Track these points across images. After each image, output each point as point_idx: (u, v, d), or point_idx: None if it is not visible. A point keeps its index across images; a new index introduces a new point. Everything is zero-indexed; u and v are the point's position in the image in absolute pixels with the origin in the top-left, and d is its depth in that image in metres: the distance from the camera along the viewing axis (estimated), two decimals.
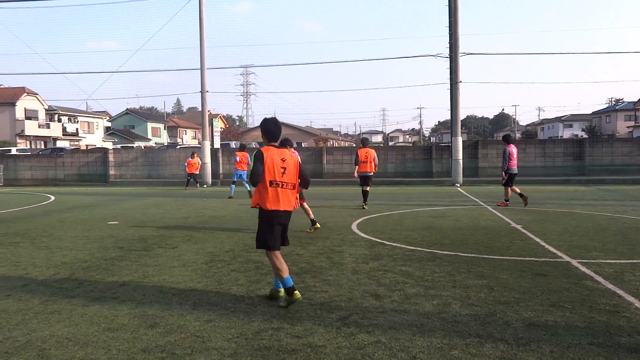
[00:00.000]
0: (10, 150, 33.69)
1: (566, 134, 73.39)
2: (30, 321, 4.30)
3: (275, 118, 5.00)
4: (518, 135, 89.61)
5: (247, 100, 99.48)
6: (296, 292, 4.61)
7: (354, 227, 9.42)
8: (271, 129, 4.82)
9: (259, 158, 4.63)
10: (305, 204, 9.06)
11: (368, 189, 12.63)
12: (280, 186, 4.67)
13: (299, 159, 5.04)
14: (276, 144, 4.86)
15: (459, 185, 21.01)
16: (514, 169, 12.67)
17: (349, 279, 5.56)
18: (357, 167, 12.62)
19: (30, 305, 4.76)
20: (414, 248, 7.28)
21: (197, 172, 21.36)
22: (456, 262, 6.35)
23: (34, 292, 5.19)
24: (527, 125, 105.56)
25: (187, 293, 5.09)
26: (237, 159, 17.31)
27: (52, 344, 3.77)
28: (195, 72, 24.01)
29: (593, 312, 4.35)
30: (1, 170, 26.03)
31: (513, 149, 12.78)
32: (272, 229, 4.72)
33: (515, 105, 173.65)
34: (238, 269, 6.09)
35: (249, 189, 17.80)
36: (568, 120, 79.08)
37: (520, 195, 12.43)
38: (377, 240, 7.99)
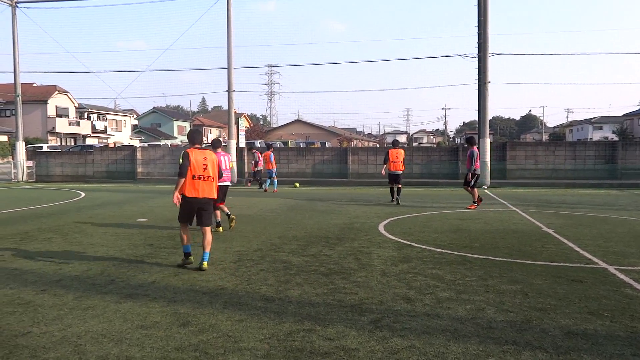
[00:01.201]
0: (42, 147, 34.59)
1: (596, 136, 71.56)
2: (65, 316, 4.37)
3: (197, 128, 6.70)
4: (545, 137, 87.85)
5: (271, 99, 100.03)
6: (190, 257, 6.24)
7: (380, 228, 9.35)
8: (194, 136, 6.41)
9: (186, 157, 6.08)
10: (222, 206, 9.31)
11: (400, 186, 13.93)
12: (201, 179, 6.13)
13: (215, 157, 6.50)
14: (199, 146, 6.33)
15: (486, 187, 20.67)
16: (479, 170, 12.94)
17: (379, 281, 5.50)
18: (385, 165, 14.03)
19: (65, 300, 4.84)
20: (443, 251, 7.17)
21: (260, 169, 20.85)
22: (487, 266, 6.23)
23: (68, 288, 5.29)
24: (555, 127, 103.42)
25: (217, 292, 5.11)
26: (262, 159, 18.51)
27: (87, 340, 3.82)
28: (220, 71, 24.16)
29: (635, 321, 4.20)
30: (33, 167, 26.71)
31: (477, 151, 13.06)
32: (188, 210, 6.20)
33: (543, 107, 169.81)
34: (267, 269, 6.09)
35: (267, 186, 18.52)
36: (598, 122, 77.09)
37: (476, 197, 12.76)
38: (405, 242, 7.90)
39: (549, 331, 3.98)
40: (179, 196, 6.08)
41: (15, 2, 25.20)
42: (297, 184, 21.70)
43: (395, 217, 10.88)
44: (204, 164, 6.14)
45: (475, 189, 12.74)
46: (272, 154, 18.73)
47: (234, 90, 23.65)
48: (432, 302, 4.74)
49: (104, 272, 5.98)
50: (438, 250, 7.23)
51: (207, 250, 6.17)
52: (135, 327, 4.10)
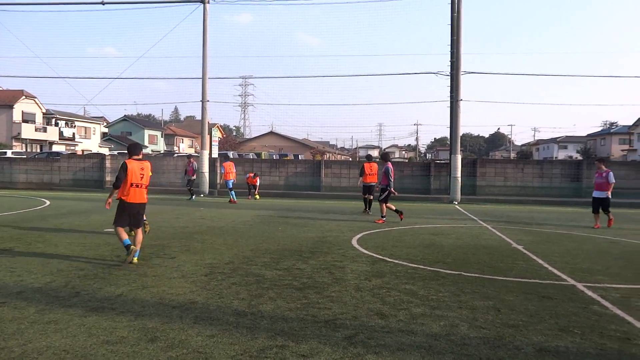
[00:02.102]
0: (5, 153, 33.44)
1: (561, 155, 73.88)
2: (26, 331, 4.16)
3: (137, 142, 7.74)
4: (513, 154, 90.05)
5: (245, 111, 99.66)
6: (132, 246, 6.86)
7: (354, 242, 9.32)
8: (131, 149, 7.24)
9: (123, 168, 6.91)
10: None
11: (372, 197, 15.14)
12: (138, 186, 7.01)
13: (150, 167, 7.31)
14: (138, 157, 7.15)
15: (456, 202, 20.97)
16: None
17: (353, 296, 5.45)
18: (361, 177, 15.17)
19: (25, 313, 4.62)
20: (416, 266, 7.18)
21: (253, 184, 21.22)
22: (460, 281, 6.26)
23: (30, 300, 5.05)
24: (522, 145, 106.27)
25: (188, 306, 4.97)
26: (224, 170, 18.91)
27: (49, 356, 3.64)
28: (194, 81, 24.10)
29: (604, 338, 4.26)
30: None
31: (392, 166, 13.37)
32: (124, 214, 7.02)
33: (511, 125, 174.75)
34: (239, 282, 5.97)
35: (234, 197, 18.81)
36: (563, 142, 79.67)
37: (397, 211, 13.04)
38: (378, 256, 7.89)
39: (522, 348, 4.00)
40: (111, 202, 7.12)
41: None
42: (258, 196, 21.29)
43: (369, 231, 10.89)
44: (141, 174, 7.06)
45: (385, 205, 12.93)
46: (232, 164, 19.49)
47: (207, 101, 23.45)
48: (406, 318, 4.71)
49: (69, 284, 5.76)
50: (411, 265, 7.24)
51: (138, 248, 7.03)
52: (101, 342, 3.93)
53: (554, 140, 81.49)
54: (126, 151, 7.68)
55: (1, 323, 4.34)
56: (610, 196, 12.75)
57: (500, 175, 23.88)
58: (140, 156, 7.32)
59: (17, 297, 5.17)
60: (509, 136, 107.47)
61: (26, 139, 48.59)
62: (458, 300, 5.36)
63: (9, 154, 33.55)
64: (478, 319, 4.72)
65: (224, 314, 4.71)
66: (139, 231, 7.22)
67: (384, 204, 12.94)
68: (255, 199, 20.84)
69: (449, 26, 21.88)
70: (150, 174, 7.85)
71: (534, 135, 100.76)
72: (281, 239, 9.49)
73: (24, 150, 45.11)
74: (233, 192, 18.96)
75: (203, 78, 23.23)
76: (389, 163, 13.19)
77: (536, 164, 26.15)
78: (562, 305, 5.27)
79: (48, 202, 17.09)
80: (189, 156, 21.26)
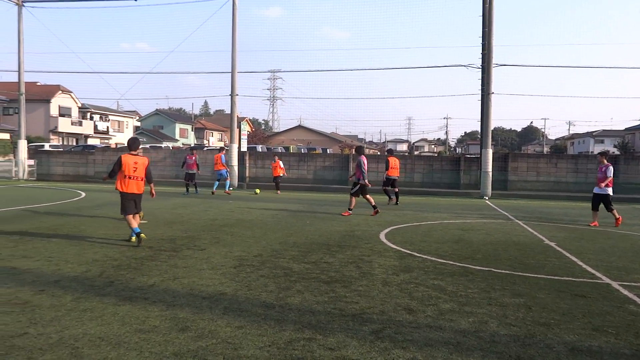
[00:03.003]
0: (43, 146, 34.57)
1: (597, 149, 71.56)
2: (63, 318, 4.32)
3: (134, 137, 8.49)
4: (546, 149, 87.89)
5: (273, 104, 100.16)
6: (142, 234, 7.74)
7: (382, 236, 9.29)
8: (131, 144, 8.16)
9: (117, 162, 7.87)
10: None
11: (397, 190, 16.34)
12: (132, 178, 7.94)
13: (147, 162, 8.17)
14: (134, 152, 8.05)
15: (487, 198, 20.62)
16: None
17: (380, 291, 5.44)
18: (386, 171, 16.14)
19: (63, 301, 4.79)
20: (444, 261, 7.11)
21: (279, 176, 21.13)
22: (490, 278, 6.18)
23: (67, 289, 5.23)
24: (556, 140, 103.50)
25: (217, 297, 5.06)
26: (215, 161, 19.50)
27: (84, 343, 3.77)
28: (224, 75, 24.22)
29: (639, 339, 4.14)
30: (35, 165, 26.69)
31: (366, 160, 13.27)
32: (128, 203, 7.93)
33: (545, 119, 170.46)
34: (267, 275, 6.04)
35: (214, 189, 19.32)
36: (599, 136, 77.22)
37: (349, 209, 12.90)
38: (406, 251, 7.85)
39: (553, 347, 3.92)
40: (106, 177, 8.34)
41: (22, 2, 25.28)
42: (258, 190, 20.90)
43: (397, 226, 10.83)
44: (134, 167, 7.90)
45: (355, 198, 12.88)
46: (222, 156, 19.65)
47: (237, 95, 23.66)
48: (434, 314, 4.68)
49: (103, 273, 5.93)
50: (440, 260, 7.18)
51: (136, 226, 7.90)
52: (134, 330, 4.04)
53: (589, 134, 79.09)
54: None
55: (40, 310, 4.51)
56: (609, 192, 11.87)
57: (532, 170, 23.34)
58: (138, 151, 8.20)
59: (55, 285, 5.36)
60: (542, 130, 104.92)
61: (63, 132, 50.12)
62: (488, 297, 5.29)
63: (47, 147, 34.67)
64: (508, 317, 4.65)
65: (252, 306, 4.78)
66: (136, 215, 8.31)
67: (355, 198, 12.93)
68: (256, 193, 20.12)
69: (481, 17, 21.45)
70: (148, 167, 8.23)
71: (569, 129, 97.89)
72: (309, 233, 9.53)
73: (61, 143, 46.55)
74: (216, 183, 19.68)
75: (232, 72, 23.45)
76: (363, 156, 13.16)
77: (570, 158, 25.46)
78: (596, 304, 5.14)
79: (83, 194, 17.60)
80: (192, 149, 21.40)
